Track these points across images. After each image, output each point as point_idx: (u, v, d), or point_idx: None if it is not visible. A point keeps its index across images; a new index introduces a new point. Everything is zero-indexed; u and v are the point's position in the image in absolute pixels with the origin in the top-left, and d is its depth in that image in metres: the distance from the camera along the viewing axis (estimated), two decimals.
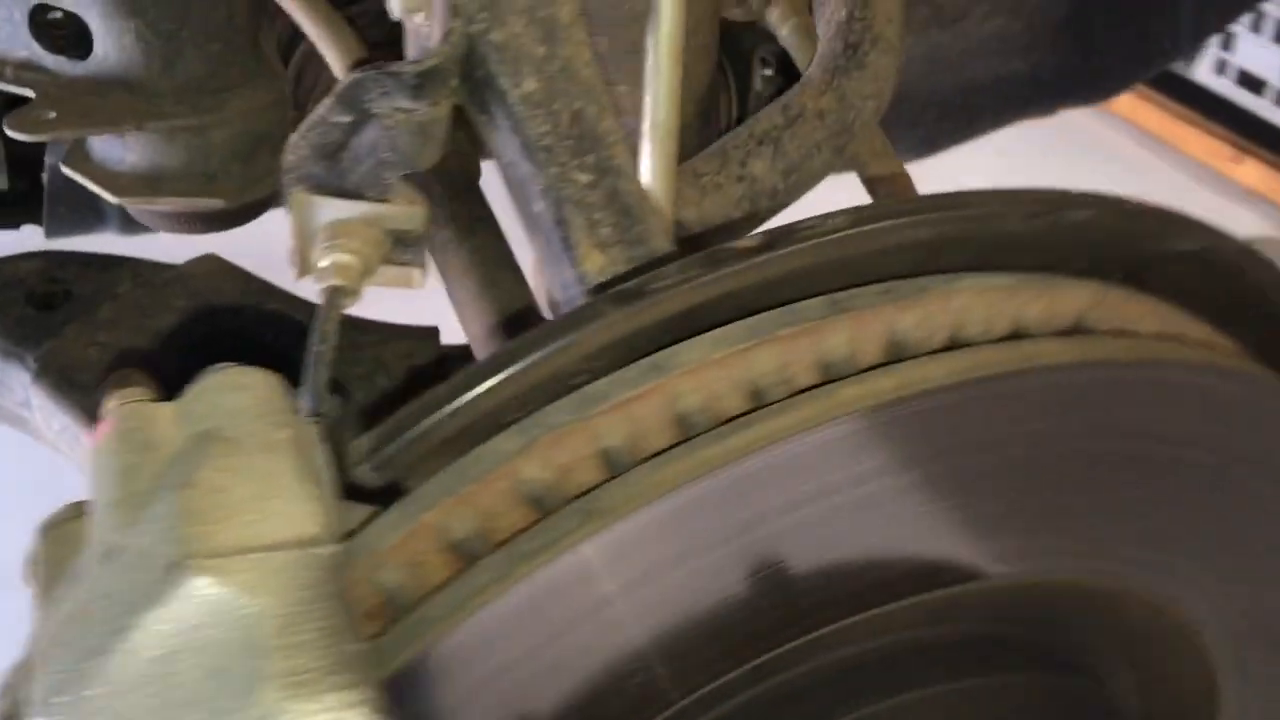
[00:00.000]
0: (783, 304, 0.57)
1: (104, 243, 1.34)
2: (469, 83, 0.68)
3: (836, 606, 0.56)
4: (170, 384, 1.27)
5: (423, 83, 0.65)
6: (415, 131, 0.68)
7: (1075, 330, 0.62)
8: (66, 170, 1.03)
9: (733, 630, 0.54)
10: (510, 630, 0.51)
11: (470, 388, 0.52)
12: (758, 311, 0.57)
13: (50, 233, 1.47)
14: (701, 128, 1.05)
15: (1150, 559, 0.67)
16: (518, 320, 1.12)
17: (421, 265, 0.77)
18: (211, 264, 1.35)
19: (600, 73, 0.70)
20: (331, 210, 0.73)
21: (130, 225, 1.46)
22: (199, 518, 0.49)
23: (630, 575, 0.52)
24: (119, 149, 1.00)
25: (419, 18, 0.67)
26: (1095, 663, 0.73)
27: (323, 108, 0.68)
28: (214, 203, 1.05)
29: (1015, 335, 0.61)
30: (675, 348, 0.56)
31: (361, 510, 0.56)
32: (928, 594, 0.59)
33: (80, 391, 1.21)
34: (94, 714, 0.47)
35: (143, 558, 0.49)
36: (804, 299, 0.57)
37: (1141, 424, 0.60)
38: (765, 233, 0.55)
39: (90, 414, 1.21)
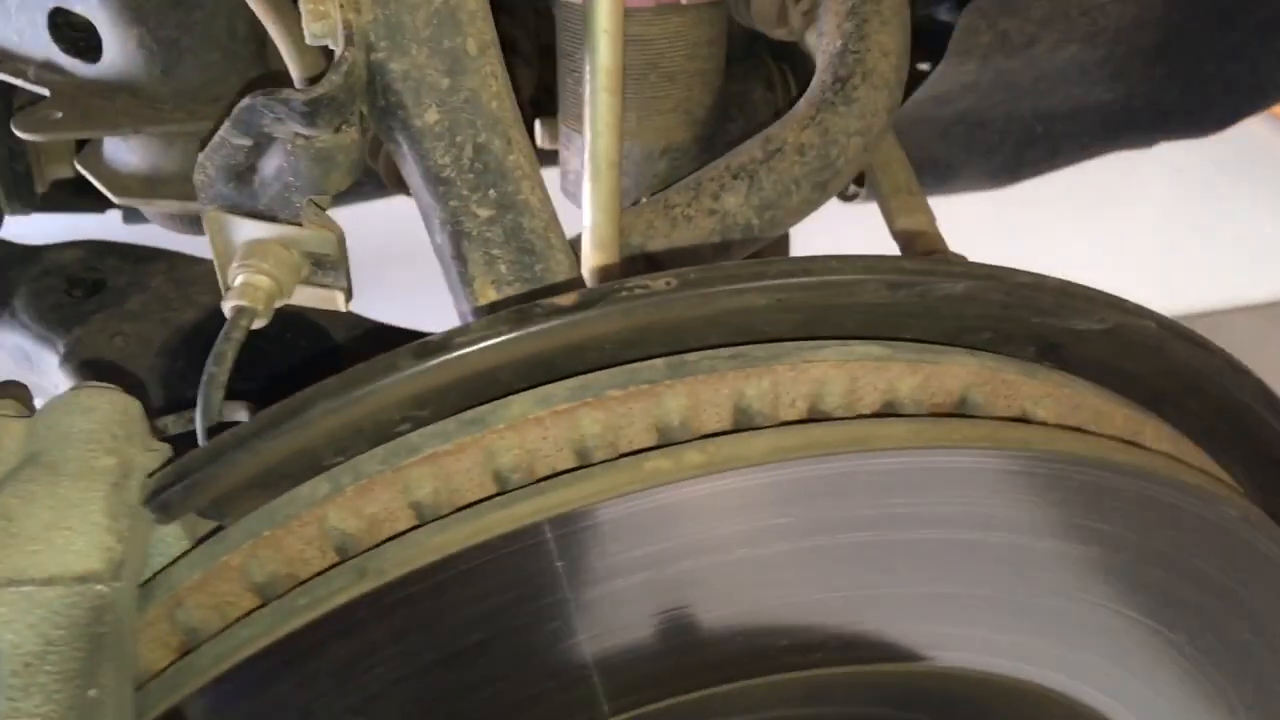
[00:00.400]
0: (623, 363, 0.55)
1: None
2: (375, 110, 0.68)
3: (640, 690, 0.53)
4: (176, 381, 1.31)
5: (314, 110, 0.64)
6: (316, 157, 0.67)
7: (958, 408, 0.58)
8: (79, 167, 1.06)
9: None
10: (272, 683, 0.50)
11: (259, 435, 0.52)
12: (596, 369, 0.55)
13: (128, 218, 1.53)
14: (699, 153, 1.02)
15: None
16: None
17: (344, 288, 0.77)
18: None
19: (510, 106, 0.68)
20: (246, 230, 0.73)
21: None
22: None
23: (396, 630, 0.50)
24: (124, 151, 1.03)
25: (328, 43, 0.67)
26: None
27: (223, 129, 0.68)
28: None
29: (885, 410, 0.57)
30: (500, 402, 0.54)
31: (180, 544, 0.56)
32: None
33: (100, 378, 1.26)
34: None
35: None
36: (645, 359, 0.55)
37: (978, 514, 0.56)
38: (588, 290, 0.52)
39: None
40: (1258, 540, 0.61)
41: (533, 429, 0.53)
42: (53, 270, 1.33)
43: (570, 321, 0.51)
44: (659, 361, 0.55)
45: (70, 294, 1.31)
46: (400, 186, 0.98)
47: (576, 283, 0.68)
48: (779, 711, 0.61)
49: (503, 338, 0.51)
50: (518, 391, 0.54)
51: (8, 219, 1.42)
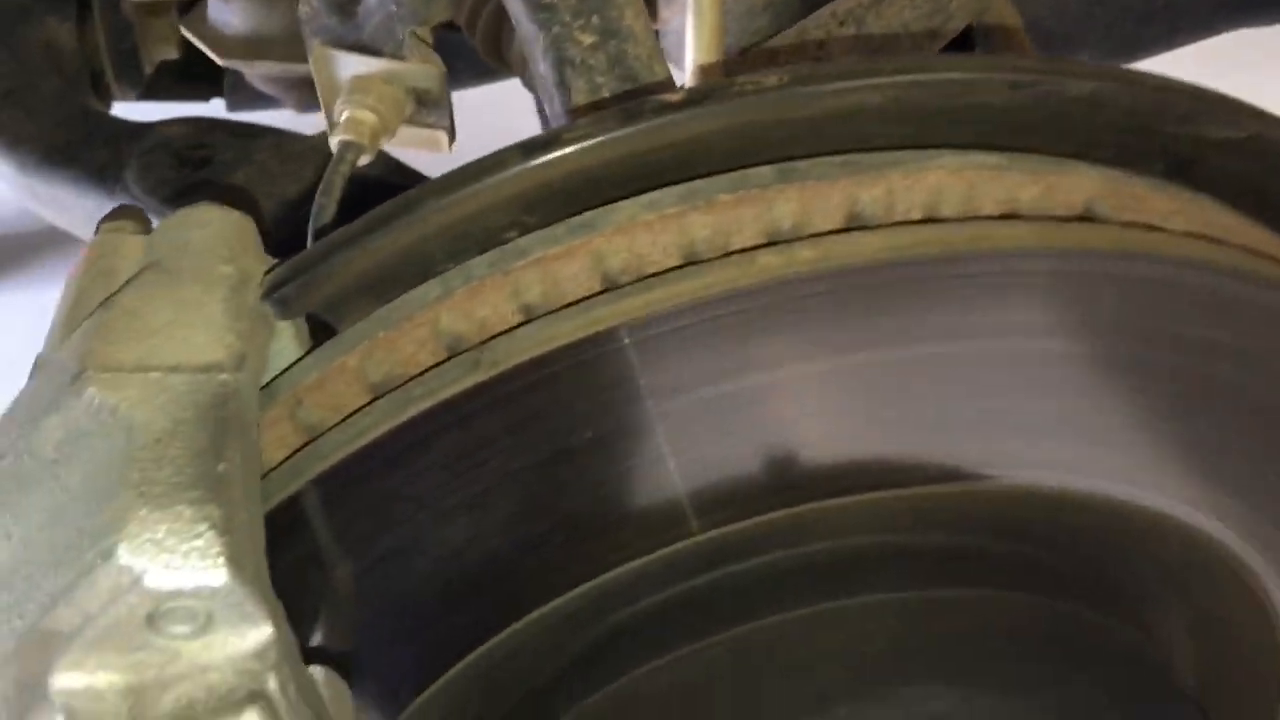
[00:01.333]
0: (732, 169, 0.54)
1: None
2: None
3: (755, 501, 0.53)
4: (283, 251, 1.33)
5: None
6: None
7: (1080, 219, 0.56)
8: (183, 30, 1.08)
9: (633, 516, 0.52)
10: (387, 473, 0.51)
11: (370, 231, 0.52)
12: (705, 175, 0.54)
13: (231, 107, 1.55)
14: (801, 9, 1.00)
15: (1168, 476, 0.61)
16: None
17: (446, 128, 0.77)
18: None
19: None
20: (351, 66, 0.73)
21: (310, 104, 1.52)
22: (108, 335, 0.51)
23: (508, 423, 0.51)
24: (226, 13, 1.04)
25: None
26: (1115, 597, 0.67)
27: None
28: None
29: (1007, 217, 0.55)
30: (608, 207, 0.54)
31: (297, 351, 0.57)
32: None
33: None
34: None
35: (59, 369, 0.52)
36: (754, 165, 0.54)
37: (1129, 323, 0.54)
38: (697, 87, 0.51)
39: None
40: None
41: (641, 233, 0.53)
42: (162, 144, 1.36)
43: (679, 118, 0.50)
44: (768, 168, 0.54)
45: (179, 169, 1.33)
46: (499, 60, 0.97)
47: None
48: (880, 537, 0.61)
49: (612, 135, 0.50)
50: (625, 197, 0.54)
51: (116, 105, 1.44)
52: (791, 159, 0.54)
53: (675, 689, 0.57)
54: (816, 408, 0.54)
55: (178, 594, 0.44)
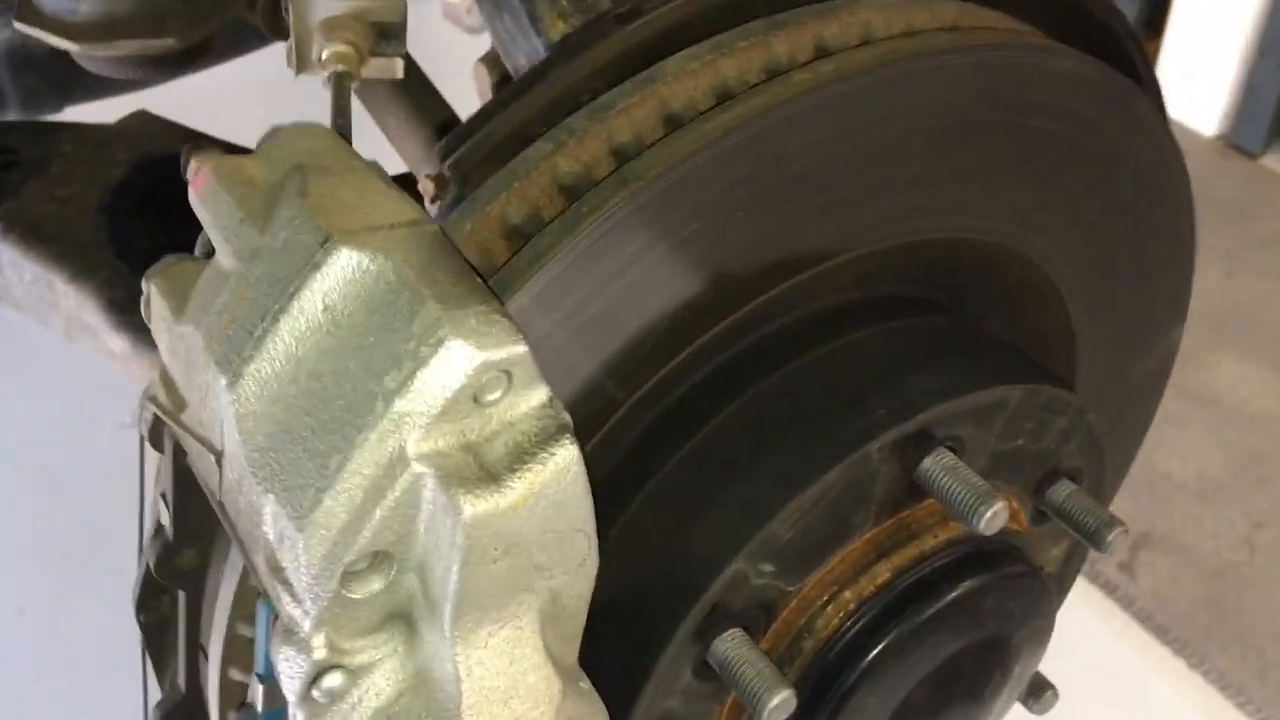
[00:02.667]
0: (725, 28, 0.74)
1: None
2: None
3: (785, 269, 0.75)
4: (122, 233, 1.37)
5: None
6: None
7: (953, 29, 0.81)
8: (19, 26, 1.11)
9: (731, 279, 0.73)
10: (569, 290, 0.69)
11: (514, 98, 0.68)
12: (709, 36, 0.74)
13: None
14: None
15: (1021, 220, 0.88)
16: (446, 128, 1.26)
17: (402, 54, 0.91)
18: (145, 119, 1.45)
19: None
20: (322, 8, 0.86)
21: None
22: (325, 212, 0.64)
23: (670, 228, 0.69)
24: (69, 1, 1.09)
25: None
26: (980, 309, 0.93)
27: None
28: (165, 43, 1.15)
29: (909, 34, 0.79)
30: (659, 64, 0.72)
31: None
32: (848, 255, 0.78)
33: (47, 242, 1.31)
34: (277, 358, 0.62)
35: (288, 248, 0.64)
36: (744, 23, 0.74)
37: (1010, 97, 0.80)
38: None
39: (58, 262, 1.31)
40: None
41: (689, 79, 0.72)
42: None
43: None
44: (759, 23, 0.75)
45: None
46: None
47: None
48: (850, 295, 0.84)
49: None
50: (666, 56, 0.73)
51: None
52: (774, 13, 0.75)
53: (746, 423, 0.78)
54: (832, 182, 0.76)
55: (493, 365, 0.59)
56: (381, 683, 0.62)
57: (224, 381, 0.64)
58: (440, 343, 0.59)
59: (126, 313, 1.27)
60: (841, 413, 0.78)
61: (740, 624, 0.76)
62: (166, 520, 0.76)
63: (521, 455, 0.60)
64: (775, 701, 0.73)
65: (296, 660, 0.61)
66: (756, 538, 0.74)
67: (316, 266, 0.62)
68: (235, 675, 0.78)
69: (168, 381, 0.73)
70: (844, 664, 0.79)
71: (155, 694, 0.88)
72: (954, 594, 0.81)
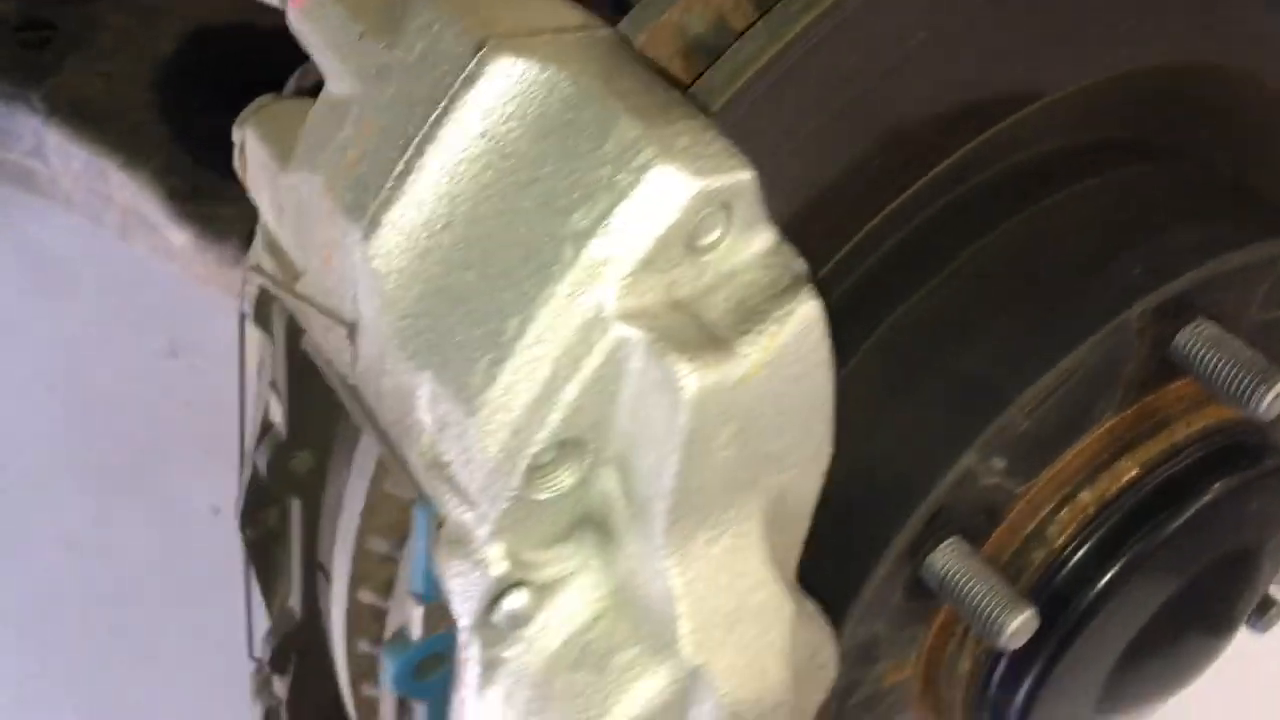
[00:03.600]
0: None
1: None
2: None
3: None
4: (179, 113, 1.23)
5: None
6: None
7: None
8: None
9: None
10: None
11: None
12: None
13: None
14: None
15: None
16: None
17: None
18: None
19: None
20: None
21: None
22: (473, 14, 0.50)
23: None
24: None
25: None
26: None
27: None
28: None
29: None
30: None
31: None
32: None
33: (97, 123, 1.18)
34: (425, 200, 0.49)
35: (428, 61, 0.50)
36: None
37: None
38: None
39: (110, 145, 1.18)
40: None
41: None
42: None
43: None
44: None
45: (24, 46, 1.20)
46: None
47: None
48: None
49: None
50: None
51: None
52: None
53: (969, 288, 0.64)
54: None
55: (712, 195, 0.46)
56: (573, 603, 0.50)
57: (356, 234, 0.50)
58: (645, 167, 0.45)
59: (189, 202, 1.14)
60: (1088, 275, 0.63)
61: (960, 533, 0.63)
62: (279, 416, 0.64)
63: (750, 314, 0.47)
64: (1016, 624, 0.60)
65: (472, 577, 0.48)
66: (991, 427, 0.61)
67: (470, 81, 0.49)
68: (366, 598, 0.66)
69: (274, 247, 0.60)
70: (1083, 579, 0.66)
71: (260, 619, 0.77)
72: (1215, 493, 0.67)
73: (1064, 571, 0.67)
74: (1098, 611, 0.67)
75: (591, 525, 0.50)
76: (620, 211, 0.45)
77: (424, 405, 0.49)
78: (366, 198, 0.50)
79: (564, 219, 0.46)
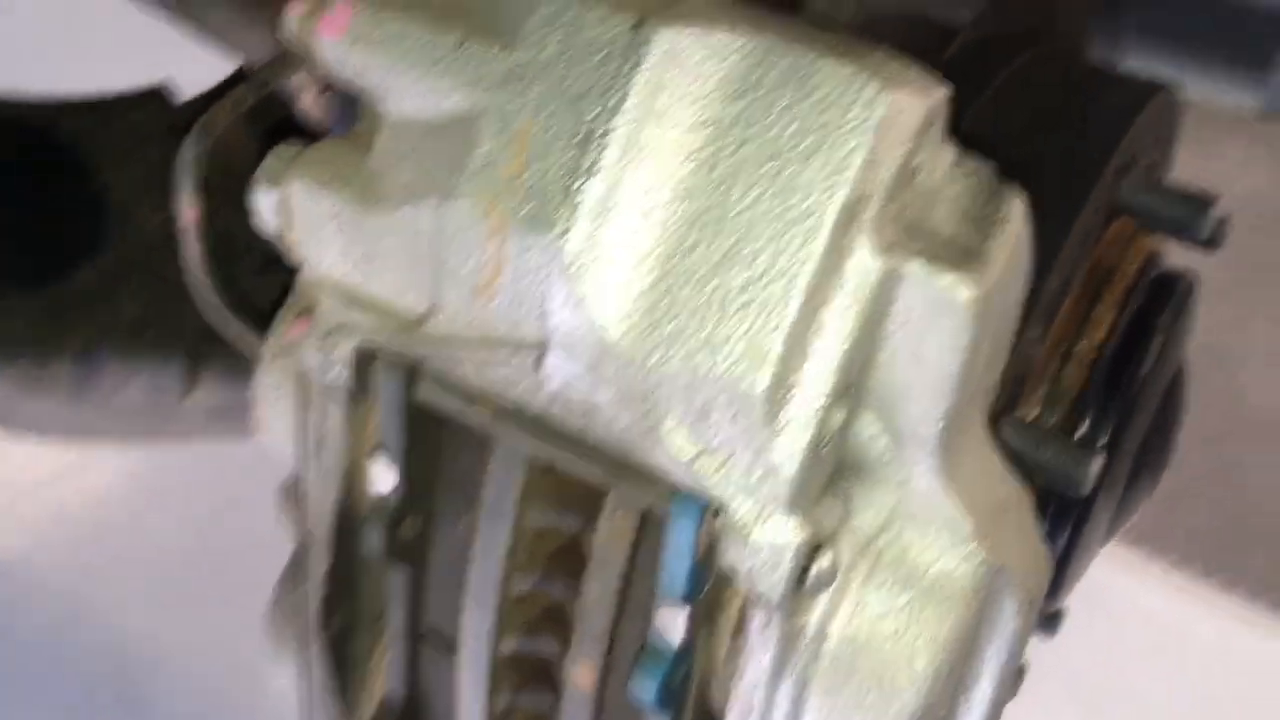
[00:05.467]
0: None
1: None
2: None
3: None
4: None
5: None
6: None
7: None
8: None
9: None
10: None
11: None
12: None
13: None
14: None
15: None
16: None
17: None
18: None
19: None
20: None
21: None
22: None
23: None
24: None
25: None
26: None
27: None
28: None
29: None
30: None
31: None
32: None
33: None
34: (625, 192, 0.47)
35: (572, 53, 0.48)
36: None
37: None
38: None
39: None
40: None
41: None
42: None
43: None
44: None
45: None
46: None
47: None
48: None
49: None
50: None
51: None
52: None
53: None
54: None
55: (933, 113, 0.47)
56: (851, 553, 0.50)
57: (547, 243, 0.48)
58: (875, 100, 0.46)
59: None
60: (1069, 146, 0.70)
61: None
62: (388, 484, 0.58)
63: (978, 219, 0.48)
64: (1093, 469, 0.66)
65: (774, 551, 0.48)
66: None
67: (637, 62, 0.47)
68: (509, 646, 0.61)
69: (358, 300, 0.55)
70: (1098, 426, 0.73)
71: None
72: (1169, 318, 0.77)
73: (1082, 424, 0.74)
74: (1117, 448, 0.75)
75: (850, 470, 0.50)
76: (863, 147, 0.46)
77: (676, 397, 0.47)
78: (549, 206, 0.48)
79: (801, 169, 0.46)
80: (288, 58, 0.58)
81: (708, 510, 0.49)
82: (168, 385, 0.87)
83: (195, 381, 0.86)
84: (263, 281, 0.66)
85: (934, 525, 0.50)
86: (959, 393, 0.48)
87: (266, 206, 0.56)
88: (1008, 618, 0.51)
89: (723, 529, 0.48)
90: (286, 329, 0.63)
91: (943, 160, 0.49)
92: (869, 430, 0.49)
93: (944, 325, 0.46)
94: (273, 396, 0.63)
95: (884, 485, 0.50)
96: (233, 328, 0.66)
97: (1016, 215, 0.49)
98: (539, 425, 0.52)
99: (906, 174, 0.47)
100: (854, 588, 0.50)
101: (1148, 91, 0.75)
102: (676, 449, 0.48)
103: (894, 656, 0.49)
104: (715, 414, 0.47)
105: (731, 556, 0.48)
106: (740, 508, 0.48)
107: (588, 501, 0.57)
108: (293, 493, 0.72)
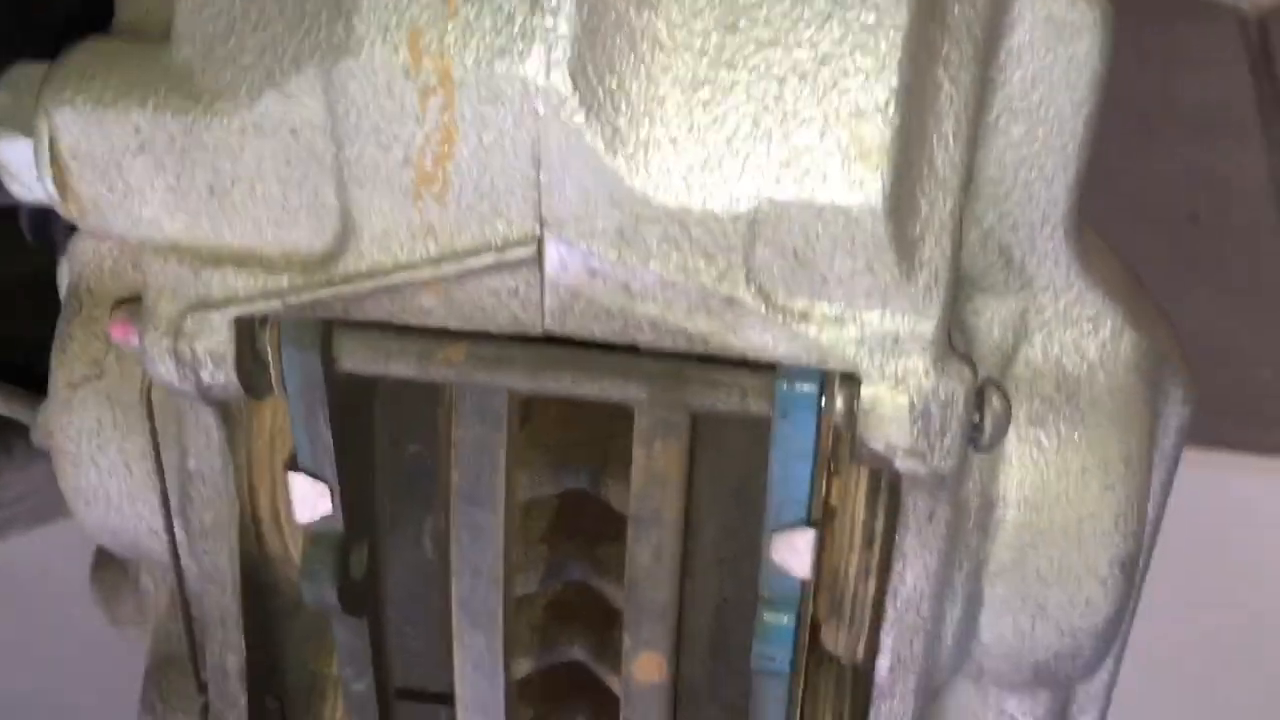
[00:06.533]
0: None
1: None
2: None
3: None
4: None
5: None
6: None
7: None
8: None
9: None
10: None
11: None
12: None
13: None
14: None
15: None
16: None
17: None
18: None
19: None
20: None
21: None
22: None
23: None
24: None
25: None
26: None
27: None
28: None
29: None
30: None
31: None
32: None
33: None
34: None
35: None
36: None
37: None
38: None
39: None
40: None
41: None
42: None
43: None
44: None
45: None
46: None
47: None
48: None
49: None
50: None
51: None
52: None
53: None
54: None
55: None
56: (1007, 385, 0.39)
57: (527, 68, 0.32)
58: None
59: None
60: None
61: None
62: (318, 505, 0.40)
63: None
64: None
65: (940, 401, 0.35)
66: None
67: None
68: (522, 669, 0.46)
69: (239, 258, 0.37)
70: None
71: None
72: None
73: None
74: None
75: (971, 286, 0.38)
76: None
77: (759, 244, 0.33)
78: (513, 23, 0.32)
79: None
80: None
81: (830, 384, 0.35)
82: None
83: None
84: None
85: (1079, 325, 0.39)
86: (1086, 149, 0.37)
87: (19, 161, 0.37)
88: (1176, 407, 0.42)
89: (853, 403, 0.35)
90: (83, 347, 0.43)
91: None
92: (988, 228, 0.37)
93: (1072, 60, 0.35)
94: (87, 447, 0.44)
95: (1009, 294, 0.39)
96: None
97: None
98: (538, 357, 0.37)
99: None
100: (1021, 428, 0.38)
101: None
102: (766, 315, 0.34)
103: (1081, 500, 0.39)
104: (819, 249, 0.34)
105: (873, 436, 0.35)
106: (874, 369, 0.35)
107: (593, 447, 0.42)
108: (110, 573, 0.53)
